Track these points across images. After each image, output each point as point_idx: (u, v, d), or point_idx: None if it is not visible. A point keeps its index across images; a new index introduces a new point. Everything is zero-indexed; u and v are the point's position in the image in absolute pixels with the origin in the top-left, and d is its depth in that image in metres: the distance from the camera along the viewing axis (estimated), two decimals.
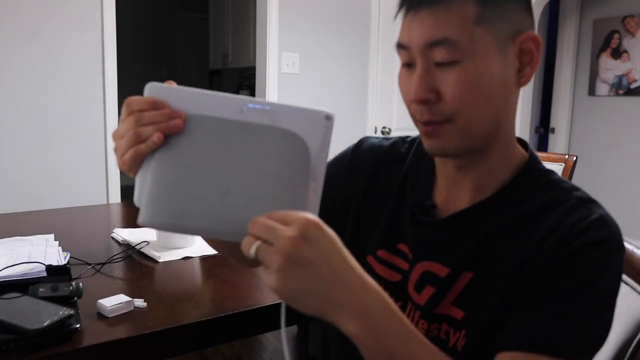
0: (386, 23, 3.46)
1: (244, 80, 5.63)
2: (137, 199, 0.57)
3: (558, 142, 4.48)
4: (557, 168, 2.08)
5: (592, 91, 4.23)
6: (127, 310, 0.92)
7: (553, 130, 4.53)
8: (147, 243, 1.28)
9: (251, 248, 0.52)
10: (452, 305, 0.67)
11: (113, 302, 0.91)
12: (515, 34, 0.63)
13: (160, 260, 1.20)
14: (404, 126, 3.40)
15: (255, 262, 0.53)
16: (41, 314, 0.80)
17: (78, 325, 0.82)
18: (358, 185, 0.81)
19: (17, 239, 1.27)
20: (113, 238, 1.38)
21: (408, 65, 0.66)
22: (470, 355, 0.64)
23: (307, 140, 0.57)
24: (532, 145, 1.08)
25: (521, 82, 0.66)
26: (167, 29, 6.32)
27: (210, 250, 1.25)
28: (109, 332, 0.85)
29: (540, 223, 0.64)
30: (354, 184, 0.81)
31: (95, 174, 2.69)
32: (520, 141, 0.73)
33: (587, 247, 0.60)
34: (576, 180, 0.93)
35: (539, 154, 0.82)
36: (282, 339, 0.57)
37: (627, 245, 0.77)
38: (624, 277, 0.80)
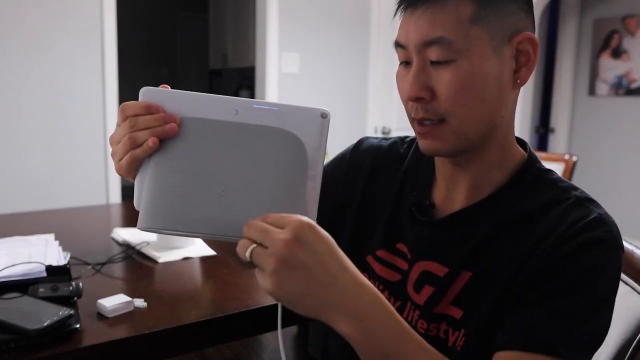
0: (386, 23, 3.46)
1: (244, 80, 5.62)
2: (136, 202, 0.57)
3: (558, 142, 4.48)
4: (558, 168, 2.08)
5: (592, 91, 4.23)
6: (127, 311, 0.92)
7: (553, 130, 4.54)
8: (147, 243, 1.28)
9: (246, 251, 0.52)
10: (451, 304, 0.67)
11: (113, 302, 0.91)
12: (512, 34, 0.63)
13: (160, 261, 1.20)
14: (404, 126, 3.37)
15: (252, 264, 0.53)
16: (41, 314, 0.80)
17: (78, 326, 0.82)
18: (357, 186, 0.81)
19: (17, 239, 1.26)
20: (113, 238, 1.38)
21: (405, 63, 0.66)
22: (469, 355, 0.64)
23: (303, 139, 0.56)
24: (532, 145, 1.08)
25: (518, 83, 0.65)
26: (168, 29, 6.31)
27: (210, 251, 1.25)
28: (109, 332, 0.85)
29: (539, 222, 0.64)
30: (353, 184, 0.81)
31: (95, 174, 2.69)
32: (520, 141, 0.73)
33: (586, 247, 0.60)
34: (576, 180, 0.93)
35: (539, 154, 0.82)
36: (279, 340, 0.58)
37: (627, 245, 0.77)
38: (624, 277, 0.80)
